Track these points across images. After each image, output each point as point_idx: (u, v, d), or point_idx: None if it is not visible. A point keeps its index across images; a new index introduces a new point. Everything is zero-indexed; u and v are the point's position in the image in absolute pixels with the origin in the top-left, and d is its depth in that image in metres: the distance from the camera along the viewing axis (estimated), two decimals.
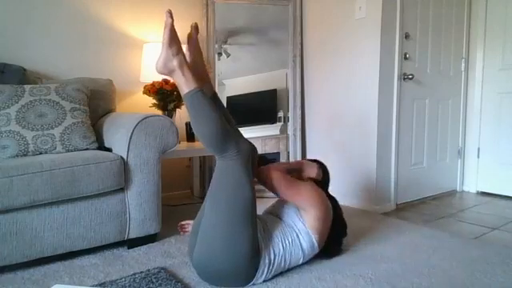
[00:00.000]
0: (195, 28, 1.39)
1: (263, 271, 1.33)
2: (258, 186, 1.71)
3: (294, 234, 1.42)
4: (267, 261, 1.34)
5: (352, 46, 2.51)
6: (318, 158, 1.77)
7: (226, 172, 1.30)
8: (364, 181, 2.44)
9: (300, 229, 1.43)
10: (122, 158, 1.66)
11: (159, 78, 2.26)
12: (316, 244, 1.45)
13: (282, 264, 1.39)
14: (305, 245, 1.43)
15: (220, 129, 1.26)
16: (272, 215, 1.57)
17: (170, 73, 1.27)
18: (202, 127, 1.27)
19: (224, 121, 1.29)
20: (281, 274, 1.43)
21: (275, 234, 1.40)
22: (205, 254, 1.30)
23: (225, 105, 2.75)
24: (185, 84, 1.27)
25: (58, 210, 1.50)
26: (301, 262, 1.45)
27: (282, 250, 1.38)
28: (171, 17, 1.23)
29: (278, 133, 2.81)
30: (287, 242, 1.40)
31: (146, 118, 1.70)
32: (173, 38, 1.25)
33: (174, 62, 1.26)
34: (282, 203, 1.57)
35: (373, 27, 2.37)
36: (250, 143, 1.38)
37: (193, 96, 1.27)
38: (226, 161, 1.29)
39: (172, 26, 1.24)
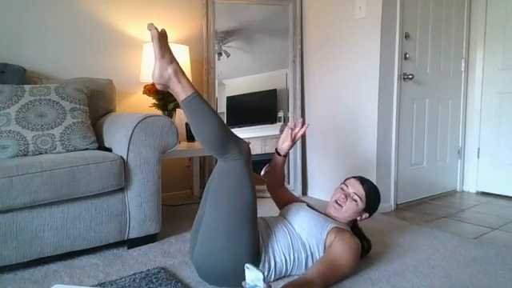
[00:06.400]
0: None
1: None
2: (259, 187, 1.71)
3: (303, 255, 1.39)
4: (267, 265, 1.34)
5: (352, 45, 2.51)
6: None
7: (228, 172, 1.29)
8: None
9: (313, 253, 1.40)
10: (122, 158, 1.66)
11: None
12: None
13: (283, 272, 1.38)
14: (310, 265, 1.41)
15: (221, 131, 1.25)
16: (281, 216, 1.55)
17: (167, 82, 1.27)
18: (203, 132, 1.26)
19: (224, 122, 1.29)
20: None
21: (280, 242, 1.38)
22: (205, 253, 1.30)
23: (225, 105, 2.78)
24: (182, 91, 1.26)
25: (58, 209, 1.50)
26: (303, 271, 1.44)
27: (284, 261, 1.36)
28: (155, 28, 1.22)
29: (278, 133, 2.81)
30: (292, 257, 1.38)
31: (145, 117, 1.70)
32: (164, 48, 1.24)
33: (169, 71, 1.25)
34: (298, 210, 1.53)
35: (373, 27, 2.37)
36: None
37: (191, 101, 1.26)
38: (228, 161, 1.29)
39: (159, 36, 1.22)
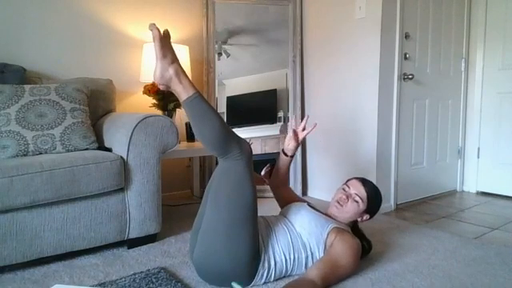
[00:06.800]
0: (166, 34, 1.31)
1: (262, 274, 1.33)
2: (259, 187, 1.71)
3: (303, 255, 1.39)
4: (266, 265, 1.33)
5: (352, 45, 2.51)
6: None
7: (229, 172, 1.30)
8: None
9: (313, 253, 1.40)
10: (122, 157, 1.66)
11: None
12: None
13: (284, 271, 1.38)
14: (310, 265, 1.41)
15: (223, 131, 1.26)
16: (282, 215, 1.55)
17: (168, 82, 1.27)
18: (204, 132, 1.26)
19: (225, 122, 1.29)
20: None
21: (280, 241, 1.38)
22: (205, 253, 1.30)
23: (225, 105, 2.78)
24: (183, 91, 1.26)
25: (58, 209, 1.50)
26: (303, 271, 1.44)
27: (284, 261, 1.36)
28: (156, 28, 1.21)
29: (278, 133, 2.81)
30: (292, 256, 1.37)
31: (145, 117, 1.70)
32: (165, 48, 1.24)
33: (170, 71, 1.25)
34: (299, 209, 1.53)
35: (373, 27, 2.37)
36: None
37: (192, 101, 1.26)
38: (229, 161, 1.29)
39: (160, 36, 1.22)
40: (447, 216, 2.37)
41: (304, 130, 1.70)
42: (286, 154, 1.70)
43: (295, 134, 1.68)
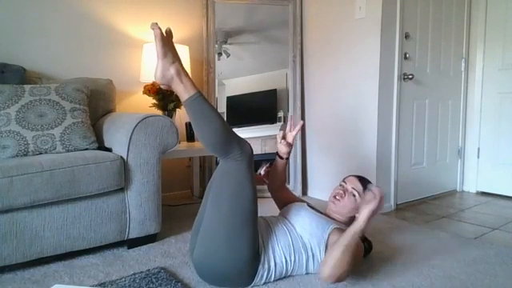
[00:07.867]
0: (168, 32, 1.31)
1: (262, 275, 1.33)
2: (259, 187, 1.71)
3: (304, 256, 1.39)
4: (266, 266, 1.33)
5: (352, 45, 2.51)
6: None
7: (230, 173, 1.30)
8: None
9: (314, 255, 1.40)
10: (122, 158, 1.66)
11: None
12: None
13: (284, 272, 1.38)
14: (311, 268, 1.41)
15: (224, 132, 1.26)
16: (282, 216, 1.55)
17: (169, 82, 1.26)
18: (205, 132, 1.26)
19: (226, 123, 1.29)
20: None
21: (280, 242, 1.38)
22: (205, 253, 1.30)
23: (225, 105, 2.78)
24: (184, 90, 1.26)
25: (58, 209, 1.50)
26: (304, 273, 1.44)
27: (284, 262, 1.36)
28: (158, 28, 1.21)
29: (278, 133, 2.81)
30: (293, 258, 1.37)
31: (146, 117, 1.70)
32: (166, 47, 1.23)
33: (171, 71, 1.24)
34: (299, 210, 1.53)
35: (373, 27, 2.37)
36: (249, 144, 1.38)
37: (193, 102, 1.26)
38: (230, 162, 1.29)
39: (161, 35, 1.22)
40: (447, 216, 2.37)
41: (292, 131, 1.71)
42: (281, 157, 1.71)
43: (284, 137, 1.69)
